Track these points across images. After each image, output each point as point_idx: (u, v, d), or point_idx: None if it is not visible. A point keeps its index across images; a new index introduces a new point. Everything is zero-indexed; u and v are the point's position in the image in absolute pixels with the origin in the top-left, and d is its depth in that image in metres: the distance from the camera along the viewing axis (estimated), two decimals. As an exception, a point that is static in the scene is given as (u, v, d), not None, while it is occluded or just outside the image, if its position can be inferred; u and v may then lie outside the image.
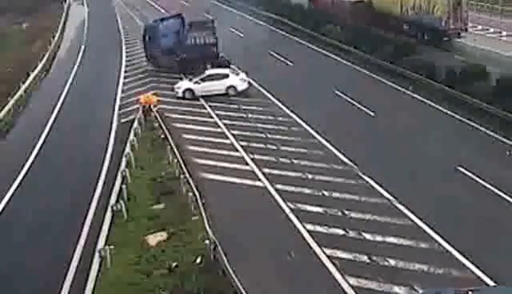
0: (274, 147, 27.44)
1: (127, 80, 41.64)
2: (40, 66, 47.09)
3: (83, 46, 55.49)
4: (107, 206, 21.40)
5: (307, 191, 22.68)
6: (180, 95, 36.00)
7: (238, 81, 36.15)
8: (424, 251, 18.23)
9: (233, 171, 25.07)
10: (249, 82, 36.48)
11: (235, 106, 33.92)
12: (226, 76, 36.29)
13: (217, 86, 35.52)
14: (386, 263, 17.68)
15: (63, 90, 40.53)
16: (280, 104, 33.58)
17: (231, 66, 39.94)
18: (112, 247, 18.60)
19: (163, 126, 30.08)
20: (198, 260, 18.35)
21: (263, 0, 64.63)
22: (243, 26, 53.91)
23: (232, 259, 17.30)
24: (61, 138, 31.21)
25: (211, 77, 36.17)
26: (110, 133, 31.02)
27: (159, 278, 17.82)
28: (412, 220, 20.01)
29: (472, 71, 32.79)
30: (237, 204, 22.21)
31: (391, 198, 21.63)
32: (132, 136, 28.85)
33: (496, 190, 21.74)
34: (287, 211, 21.21)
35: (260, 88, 37.10)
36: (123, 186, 23.34)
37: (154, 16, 68.43)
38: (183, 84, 36.82)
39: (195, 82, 36.10)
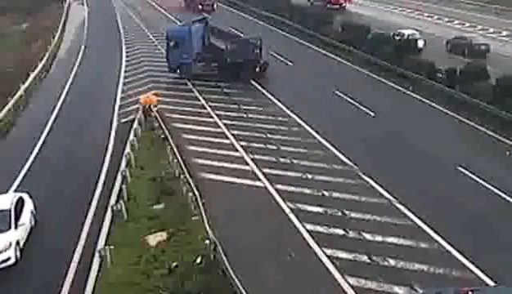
0: (274, 147, 27.43)
1: (127, 80, 41.56)
2: (40, 66, 46.98)
3: (83, 46, 55.40)
4: (107, 206, 21.40)
5: (307, 191, 22.69)
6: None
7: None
8: (424, 251, 18.25)
9: (233, 171, 25.06)
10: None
11: (235, 106, 33.90)
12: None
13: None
14: (386, 263, 17.70)
15: (63, 90, 40.46)
16: (280, 104, 33.56)
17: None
18: (112, 247, 18.62)
19: (163, 126, 30.08)
20: (198, 260, 18.35)
21: (263, 0, 64.65)
22: (242, 26, 53.85)
23: (232, 259, 17.32)
24: (61, 138, 31.13)
25: None
26: (109, 133, 30.99)
27: (159, 278, 17.83)
28: (412, 220, 20.03)
29: (472, 71, 32.78)
30: (237, 204, 22.21)
31: (391, 198, 21.65)
32: (132, 136, 28.83)
33: (496, 190, 21.79)
34: (287, 211, 21.22)
35: (260, 88, 37.10)
36: (123, 186, 23.35)
37: (154, 17, 68.73)
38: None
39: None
